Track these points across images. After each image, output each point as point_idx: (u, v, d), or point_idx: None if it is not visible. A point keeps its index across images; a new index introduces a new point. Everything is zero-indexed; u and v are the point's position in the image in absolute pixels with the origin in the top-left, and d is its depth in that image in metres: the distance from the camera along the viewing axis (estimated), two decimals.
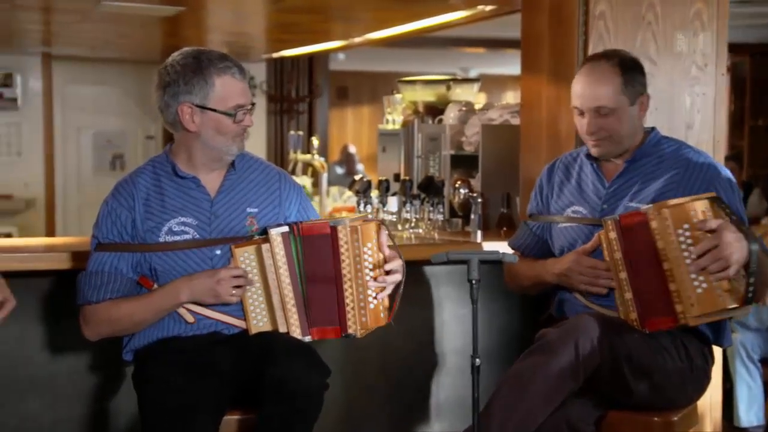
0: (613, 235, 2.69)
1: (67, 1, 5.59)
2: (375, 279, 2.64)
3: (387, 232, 2.70)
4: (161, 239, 2.65)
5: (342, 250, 2.62)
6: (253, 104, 2.70)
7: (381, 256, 2.66)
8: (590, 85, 2.80)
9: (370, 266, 2.64)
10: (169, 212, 2.68)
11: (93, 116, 9.37)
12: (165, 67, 2.67)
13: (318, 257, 2.64)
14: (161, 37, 7.50)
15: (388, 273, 2.66)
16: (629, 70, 2.81)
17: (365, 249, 2.63)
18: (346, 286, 2.63)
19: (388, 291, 2.68)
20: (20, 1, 5.41)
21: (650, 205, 2.68)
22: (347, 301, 2.64)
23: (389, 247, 2.69)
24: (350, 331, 2.65)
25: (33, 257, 2.98)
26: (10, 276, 2.65)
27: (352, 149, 11.08)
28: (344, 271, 2.63)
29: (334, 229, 2.63)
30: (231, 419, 2.59)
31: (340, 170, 10.48)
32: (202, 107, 2.62)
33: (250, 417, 2.58)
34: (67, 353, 3.11)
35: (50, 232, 9.05)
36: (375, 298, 2.65)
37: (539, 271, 2.92)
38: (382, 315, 2.68)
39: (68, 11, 5.97)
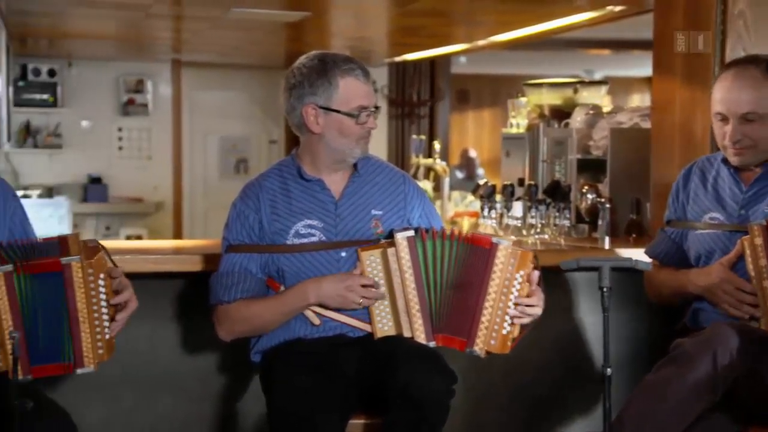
0: (759, 240, 2.58)
1: (198, 9, 5.75)
2: (516, 307, 2.61)
3: (538, 269, 2.66)
4: (289, 241, 2.68)
5: (495, 269, 2.60)
6: (377, 107, 2.71)
7: (527, 287, 2.63)
8: (737, 90, 2.69)
9: (516, 293, 2.61)
10: (296, 215, 2.70)
11: (219, 121, 9.60)
12: (291, 70, 2.70)
13: (469, 268, 2.62)
14: (285, 42, 7.63)
15: (528, 305, 2.62)
16: None
17: (517, 275, 2.61)
18: (486, 305, 2.61)
19: (524, 321, 2.64)
20: (154, 10, 5.58)
21: None
22: (483, 319, 2.61)
23: (537, 283, 2.65)
24: (476, 348, 2.63)
25: (166, 259, 3.06)
26: (144, 277, 2.73)
27: (473, 153, 11.02)
28: (490, 290, 2.61)
29: (494, 246, 2.61)
30: (356, 423, 2.59)
31: (460, 174, 10.43)
32: (326, 108, 2.65)
33: (375, 422, 2.57)
34: (196, 354, 3.17)
35: (177, 234, 9.31)
36: (510, 325, 2.62)
37: (682, 281, 2.82)
38: (508, 343, 2.65)
39: (199, 19, 6.13)
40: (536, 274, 2.64)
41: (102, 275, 2.44)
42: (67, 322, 2.39)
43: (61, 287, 2.38)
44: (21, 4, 5.56)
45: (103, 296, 2.44)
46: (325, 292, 2.63)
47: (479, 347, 2.62)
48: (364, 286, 2.63)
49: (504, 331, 2.62)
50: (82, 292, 2.39)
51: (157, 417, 3.16)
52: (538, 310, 2.64)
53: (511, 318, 2.62)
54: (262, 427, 3.14)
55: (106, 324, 2.45)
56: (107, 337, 2.45)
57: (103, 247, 2.50)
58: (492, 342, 2.61)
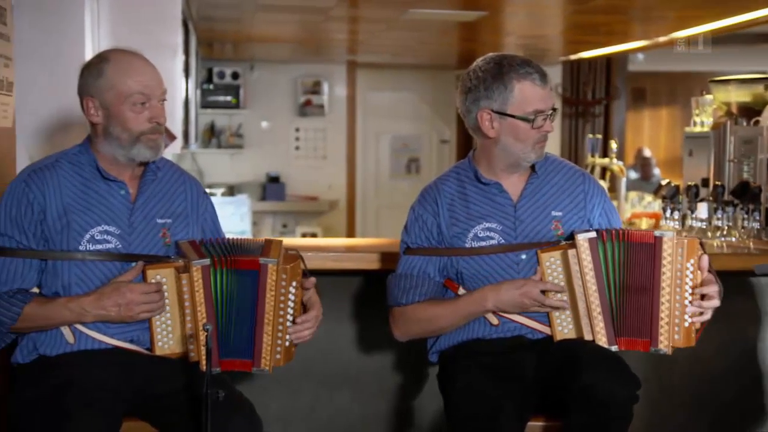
0: None
1: (376, 11, 5.83)
2: (692, 301, 2.52)
3: (705, 253, 2.57)
4: (467, 245, 2.67)
5: (664, 262, 2.53)
6: (554, 109, 2.66)
7: (700, 275, 2.54)
8: None
9: (690, 283, 2.53)
10: (474, 218, 2.69)
11: (391, 121, 9.71)
12: (468, 73, 2.69)
13: (637, 267, 2.56)
14: (458, 42, 7.63)
15: (703, 296, 2.53)
16: None
17: (688, 265, 2.53)
18: (663, 300, 2.54)
19: (707, 316, 2.54)
20: (334, 12, 5.70)
21: None
22: (662, 315, 2.54)
23: (708, 270, 2.57)
24: (660, 346, 2.55)
25: (345, 257, 3.11)
26: (322, 274, 2.78)
27: (647, 153, 10.70)
28: (663, 284, 2.53)
29: (659, 239, 2.53)
30: (535, 425, 2.56)
31: (634, 175, 10.15)
32: (501, 113, 2.62)
33: (554, 425, 2.54)
34: (373, 351, 3.22)
35: (350, 232, 9.48)
36: (691, 316, 2.53)
37: None
38: (692, 335, 2.56)
39: (376, 20, 6.22)
40: (705, 259, 2.54)
41: (294, 283, 2.50)
42: (253, 321, 2.47)
43: (254, 286, 2.46)
44: (210, 10, 5.80)
45: (291, 303, 2.50)
46: (503, 299, 2.61)
47: (664, 345, 2.54)
48: (543, 291, 2.59)
49: (686, 324, 2.53)
50: (272, 295, 2.47)
51: (335, 412, 3.22)
52: (716, 302, 2.53)
53: (691, 310, 2.52)
54: (438, 426, 3.15)
55: (289, 331, 2.51)
56: (287, 344, 2.51)
57: (301, 257, 2.57)
58: (676, 337, 2.54)
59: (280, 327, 2.49)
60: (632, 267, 2.55)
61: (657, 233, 2.54)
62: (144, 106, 2.49)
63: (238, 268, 2.47)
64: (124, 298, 2.43)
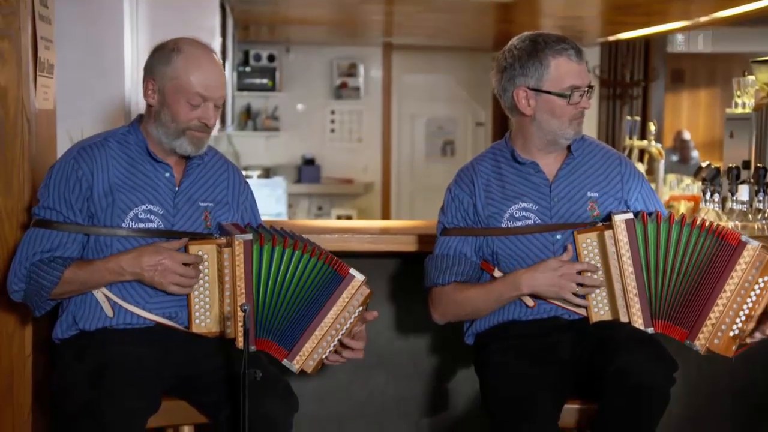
0: None
1: None
2: (750, 320, 2.50)
3: None
4: (503, 225, 2.67)
5: (737, 267, 2.51)
6: (591, 86, 2.64)
7: (766, 296, 2.52)
8: None
9: (754, 298, 2.51)
10: (510, 198, 2.68)
11: (426, 104, 9.69)
12: (503, 52, 2.68)
13: (709, 260, 2.54)
14: (494, 24, 7.59)
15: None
16: None
17: (760, 280, 2.51)
18: (719, 302, 2.52)
19: (759, 338, 2.52)
20: None
21: None
22: (711, 315, 2.52)
23: None
24: (696, 342, 2.54)
25: (382, 239, 3.10)
26: (358, 257, 2.79)
27: (687, 135, 10.59)
28: (726, 287, 2.51)
29: (742, 244, 2.51)
30: (571, 408, 2.55)
31: (673, 157, 10.06)
32: (537, 90, 2.61)
33: (590, 407, 2.53)
34: (409, 333, 3.22)
35: (385, 214, 9.49)
36: (740, 329, 2.52)
37: None
38: (733, 347, 2.54)
39: (412, 2, 6.21)
40: None
41: (360, 309, 2.53)
42: (310, 318, 2.50)
43: (331, 288, 2.50)
44: None
45: (348, 324, 2.53)
46: (539, 282, 2.59)
47: (700, 342, 2.53)
48: (580, 272, 2.58)
49: (731, 333, 2.52)
50: (342, 306, 2.50)
51: (370, 393, 3.23)
52: None
53: (742, 322, 2.51)
54: (473, 408, 3.15)
55: (333, 345, 2.54)
56: (323, 357, 2.53)
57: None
58: (715, 341, 2.52)
59: (329, 338, 2.52)
60: (702, 258, 2.53)
61: (744, 237, 2.51)
62: (198, 106, 2.51)
63: (334, 268, 2.52)
64: (162, 263, 2.45)
